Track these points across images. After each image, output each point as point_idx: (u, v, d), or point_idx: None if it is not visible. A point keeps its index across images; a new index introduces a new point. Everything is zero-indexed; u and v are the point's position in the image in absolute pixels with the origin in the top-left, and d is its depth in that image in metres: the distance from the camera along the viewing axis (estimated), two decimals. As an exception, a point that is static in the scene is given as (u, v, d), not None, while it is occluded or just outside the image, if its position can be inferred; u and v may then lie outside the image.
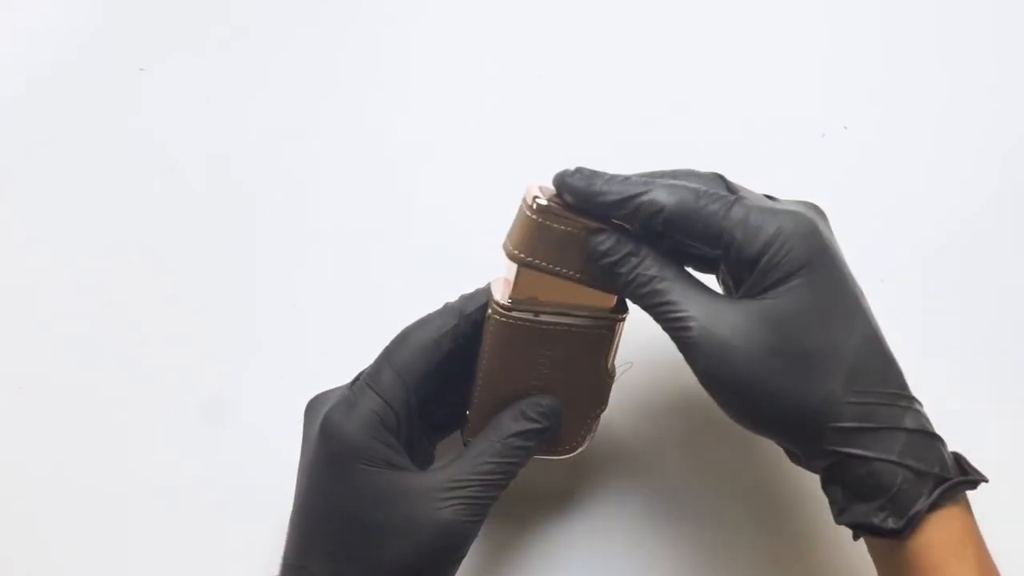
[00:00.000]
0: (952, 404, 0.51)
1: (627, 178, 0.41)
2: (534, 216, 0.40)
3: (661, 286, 0.40)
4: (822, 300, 0.39)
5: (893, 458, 0.37)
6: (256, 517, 0.49)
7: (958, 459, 0.40)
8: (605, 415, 0.46)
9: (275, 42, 0.57)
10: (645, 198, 0.40)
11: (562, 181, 0.40)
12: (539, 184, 0.41)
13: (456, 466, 0.42)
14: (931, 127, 0.55)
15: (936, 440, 0.39)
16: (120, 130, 0.56)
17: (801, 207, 0.41)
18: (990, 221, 0.54)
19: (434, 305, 0.45)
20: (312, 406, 0.44)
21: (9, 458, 0.51)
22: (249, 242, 0.54)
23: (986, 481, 0.39)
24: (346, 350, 0.45)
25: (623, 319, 0.44)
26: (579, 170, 0.40)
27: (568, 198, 0.41)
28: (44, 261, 0.54)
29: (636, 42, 0.56)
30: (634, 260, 0.40)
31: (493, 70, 0.56)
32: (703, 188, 0.40)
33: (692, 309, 0.39)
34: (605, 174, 0.41)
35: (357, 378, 0.44)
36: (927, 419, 0.39)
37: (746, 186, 0.43)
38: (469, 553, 0.42)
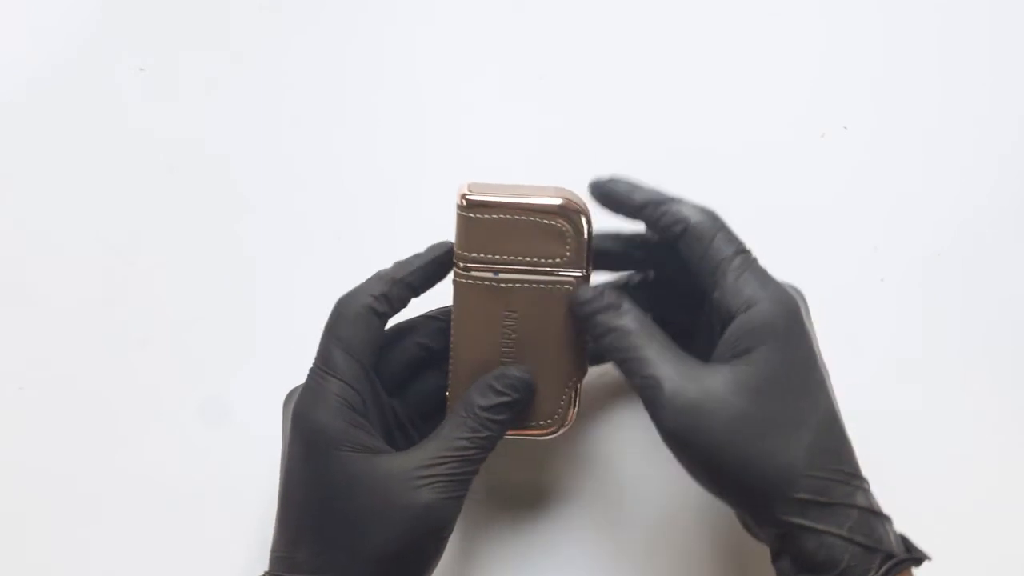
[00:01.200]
0: (952, 404, 0.51)
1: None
2: (466, 213, 0.41)
3: (638, 341, 0.40)
4: (792, 373, 0.39)
5: (843, 533, 0.38)
6: (255, 517, 0.49)
7: (904, 539, 0.40)
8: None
9: (275, 42, 0.57)
10: (674, 207, 0.42)
11: (599, 184, 0.43)
12: (469, 182, 0.42)
13: (431, 446, 0.41)
14: (931, 127, 0.55)
15: (883, 519, 0.39)
16: (120, 130, 0.56)
17: (790, 287, 0.43)
18: (990, 221, 0.54)
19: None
20: (287, 399, 0.45)
21: (9, 458, 0.51)
22: (249, 242, 0.54)
23: (929, 559, 0.39)
24: (346, 350, 0.45)
25: (587, 277, 0.43)
26: (617, 177, 0.43)
27: (600, 200, 0.43)
28: (44, 261, 0.54)
29: (636, 43, 0.56)
30: (612, 312, 0.41)
31: (493, 70, 0.56)
32: (726, 224, 0.42)
33: (665, 369, 0.40)
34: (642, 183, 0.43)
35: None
36: (875, 500, 0.40)
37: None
38: (447, 551, 0.42)
